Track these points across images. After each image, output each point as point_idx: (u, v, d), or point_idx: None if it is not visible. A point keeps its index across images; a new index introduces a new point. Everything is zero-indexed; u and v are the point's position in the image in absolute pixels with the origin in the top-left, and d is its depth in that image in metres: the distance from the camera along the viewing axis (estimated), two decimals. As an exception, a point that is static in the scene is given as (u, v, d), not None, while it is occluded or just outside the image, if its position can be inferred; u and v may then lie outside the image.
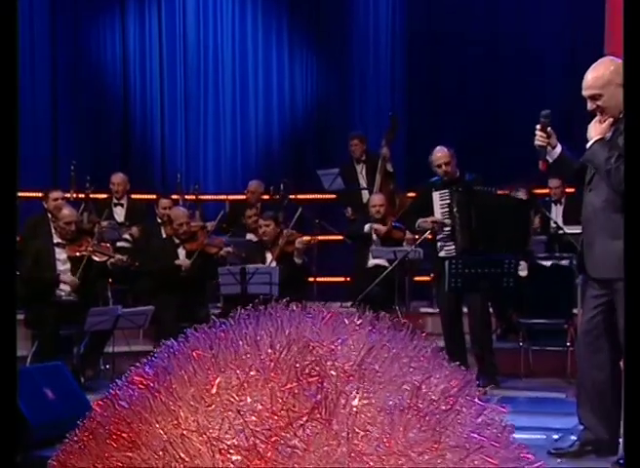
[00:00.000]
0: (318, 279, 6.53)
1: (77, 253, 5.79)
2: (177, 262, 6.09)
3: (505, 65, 8.48)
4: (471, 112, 8.27)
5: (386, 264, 6.55)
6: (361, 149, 7.31)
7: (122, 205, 7.23)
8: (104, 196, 7.30)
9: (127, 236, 6.97)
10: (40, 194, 6.84)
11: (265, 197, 7.45)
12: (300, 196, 7.36)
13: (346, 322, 1.29)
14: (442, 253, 5.43)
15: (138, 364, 1.29)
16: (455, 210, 5.43)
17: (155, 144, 8.49)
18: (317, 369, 1.13)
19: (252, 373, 1.11)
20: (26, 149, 7.09)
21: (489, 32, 8.49)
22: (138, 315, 5.53)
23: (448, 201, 5.48)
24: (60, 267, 5.80)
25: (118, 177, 7.24)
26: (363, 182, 7.24)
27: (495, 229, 5.21)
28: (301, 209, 6.45)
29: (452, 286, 5.29)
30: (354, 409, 1.09)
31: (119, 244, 6.79)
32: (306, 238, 6.28)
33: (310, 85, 8.62)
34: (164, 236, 6.74)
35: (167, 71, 8.50)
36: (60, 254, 5.83)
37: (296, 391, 1.09)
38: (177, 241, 6.25)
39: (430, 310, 6.89)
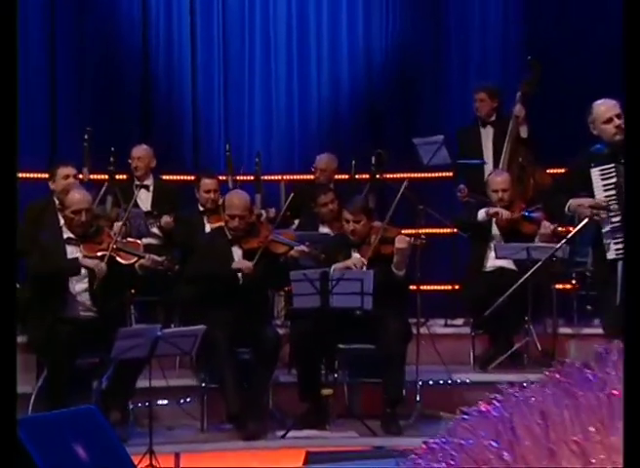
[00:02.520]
0: (421, 287, 6.00)
1: (97, 253, 5.48)
2: (234, 265, 5.66)
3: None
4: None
5: (512, 266, 6.20)
6: (489, 106, 6.94)
7: (147, 188, 6.93)
8: (122, 177, 7.02)
9: (155, 230, 6.69)
10: (35, 174, 6.66)
11: (342, 176, 7.11)
12: (388, 175, 6.94)
13: None
14: (611, 255, 4.87)
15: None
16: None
17: (185, 109, 8.24)
18: None
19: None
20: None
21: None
22: (184, 337, 5.16)
23: (614, 179, 4.94)
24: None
25: (140, 151, 6.93)
26: (489, 152, 6.87)
27: None
28: (403, 188, 5.91)
29: (626, 297, 4.72)
30: None
31: (145, 240, 6.42)
32: (399, 232, 5.77)
33: (392, 27, 8.27)
34: (208, 230, 6.45)
35: (200, 12, 8.25)
36: (74, 255, 5.54)
37: None
38: (229, 236, 5.84)
39: (570, 331, 6.51)
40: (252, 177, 7.14)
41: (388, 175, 6.77)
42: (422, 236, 5.72)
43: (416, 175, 6.82)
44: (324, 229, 6.57)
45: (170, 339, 5.10)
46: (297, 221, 6.87)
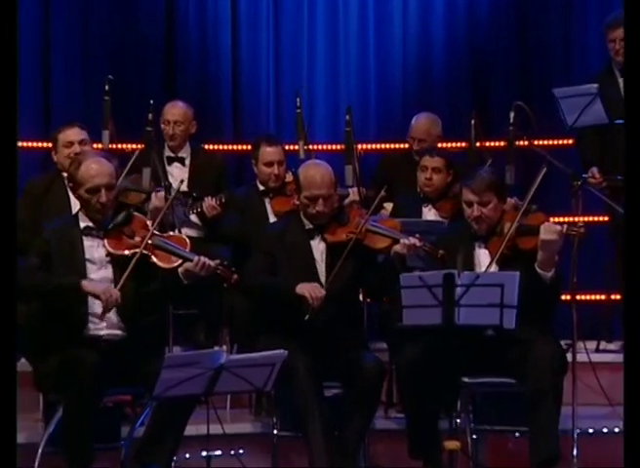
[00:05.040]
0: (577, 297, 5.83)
1: (125, 251, 5.28)
2: (298, 290, 5.45)
3: None
4: None
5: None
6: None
7: (182, 161, 6.98)
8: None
9: (194, 217, 6.72)
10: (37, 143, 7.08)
11: (456, 144, 7.22)
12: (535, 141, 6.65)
13: None
14: None
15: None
16: None
17: (222, 55, 8.42)
18: None
19: None
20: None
21: None
22: (260, 366, 4.91)
23: None
24: (93, 275, 5.36)
25: (177, 111, 6.96)
26: None
27: None
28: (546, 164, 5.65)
29: None
30: None
31: (186, 231, 6.45)
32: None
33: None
34: (272, 217, 6.48)
35: None
36: (94, 250, 5.36)
37: None
38: (307, 225, 5.71)
39: None
40: (336, 146, 7.33)
41: (537, 143, 6.47)
42: (580, 224, 5.39)
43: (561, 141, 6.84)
44: (429, 214, 6.44)
45: (237, 369, 4.83)
46: (386, 205, 6.65)
